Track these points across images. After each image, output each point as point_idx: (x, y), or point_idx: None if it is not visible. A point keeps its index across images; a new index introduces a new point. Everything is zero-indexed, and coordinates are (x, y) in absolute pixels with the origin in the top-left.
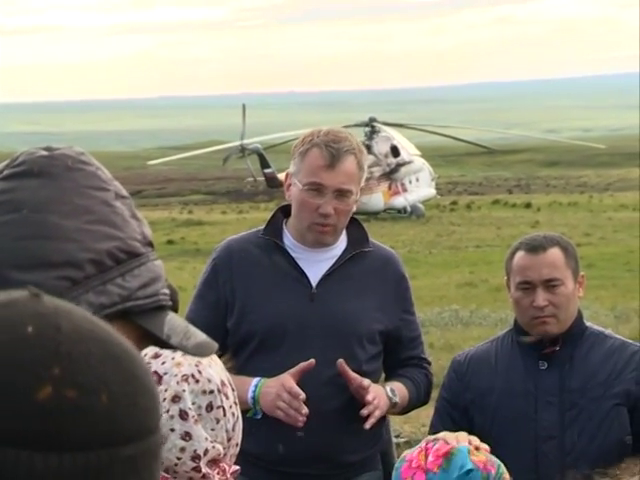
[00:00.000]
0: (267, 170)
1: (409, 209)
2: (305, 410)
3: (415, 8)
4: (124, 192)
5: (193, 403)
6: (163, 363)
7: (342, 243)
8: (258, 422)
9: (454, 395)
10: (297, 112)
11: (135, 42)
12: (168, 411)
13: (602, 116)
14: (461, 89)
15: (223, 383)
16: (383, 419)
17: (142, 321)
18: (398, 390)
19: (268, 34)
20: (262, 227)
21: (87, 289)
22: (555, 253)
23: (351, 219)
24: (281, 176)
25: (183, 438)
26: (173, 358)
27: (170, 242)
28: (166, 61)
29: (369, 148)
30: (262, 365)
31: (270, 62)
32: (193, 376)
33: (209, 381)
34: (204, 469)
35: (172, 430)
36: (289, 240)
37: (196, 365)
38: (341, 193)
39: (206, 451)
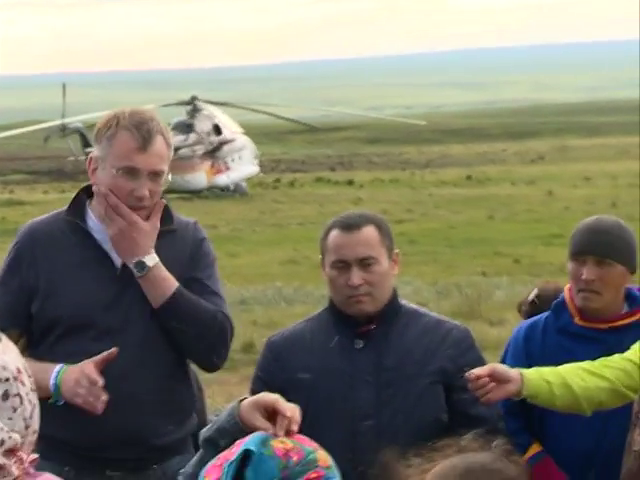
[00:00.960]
0: (88, 149)
1: (232, 187)
2: (104, 397)
3: None
4: None
5: None
6: None
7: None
8: (65, 407)
9: (269, 375)
10: (119, 91)
11: None
12: None
13: (423, 93)
14: (284, 67)
15: (19, 370)
16: (192, 400)
17: None
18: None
19: (89, 13)
20: (65, 208)
21: None
22: (369, 231)
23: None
24: None
25: None
26: None
27: None
28: None
29: (191, 127)
30: (69, 349)
31: (92, 41)
32: None
33: (4, 368)
34: (1, 460)
35: None
36: (93, 222)
37: None
38: (155, 174)
39: (2, 442)
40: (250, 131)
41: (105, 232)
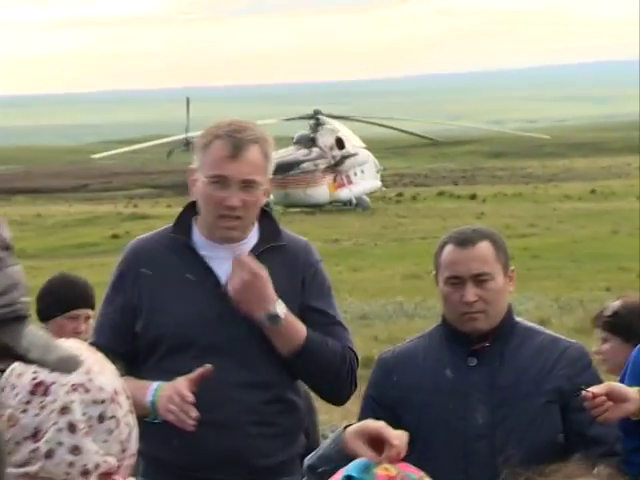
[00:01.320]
0: None
1: (354, 201)
2: (194, 414)
3: (356, 2)
4: None
5: (83, 414)
6: (51, 372)
7: (253, 238)
8: (165, 426)
9: (380, 393)
10: (242, 105)
11: (75, 37)
12: (56, 423)
13: (546, 107)
14: (405, 81)
15: (116, 391)
16: (300, 422)
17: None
18: (293, 319)
19: (211, 28)
20: (171, 225)
21: None
22: (484, 247)
23: (263, 212)
24: None
25: (72, 452)
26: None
27: (115, 236)
28: (108, 55)
29: (314, 141)
30: (172, 368)
31: (212, 56)
32: (83, 385)
33: (101, 390)
34: None
35: (60, 444)
36: (198, 237)
37: (86, 373)
38: (247, 184)
39: (97, 465)
40: (372, 145)
41: (211, 248)
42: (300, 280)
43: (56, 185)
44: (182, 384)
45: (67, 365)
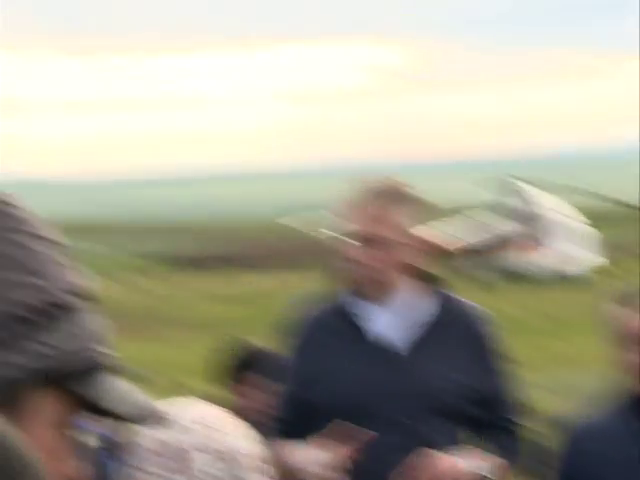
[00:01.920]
0: None
1: (559, 271)
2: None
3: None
4: (52, 235)
5: None
6: (193, 438)
7: (423, 304)
8: None
9: (570, 467)
10: (446, 179)
11: (282, 110)
12: None
13: None
14: (607, 149)
15: (259, 458)
16: None
17: (72, 385)
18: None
19: (421, 99)
20: (341, 291)
21: None
22: None
23: (436, 279)
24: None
25: None
26: (205, 434)
27: None
28: (314, 128)
29: (515, 208)
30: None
31: (422, 129)
32: (220, 451)
33: (244, 456)
34: None
35: None
36: (358, 303)
37: (229, 440)
38: (393, 243)
39: None
40: (583, 214)
41: (380, 317)
42: (476, 352)
43: None
44: (336, 449)
45: (143, 416)
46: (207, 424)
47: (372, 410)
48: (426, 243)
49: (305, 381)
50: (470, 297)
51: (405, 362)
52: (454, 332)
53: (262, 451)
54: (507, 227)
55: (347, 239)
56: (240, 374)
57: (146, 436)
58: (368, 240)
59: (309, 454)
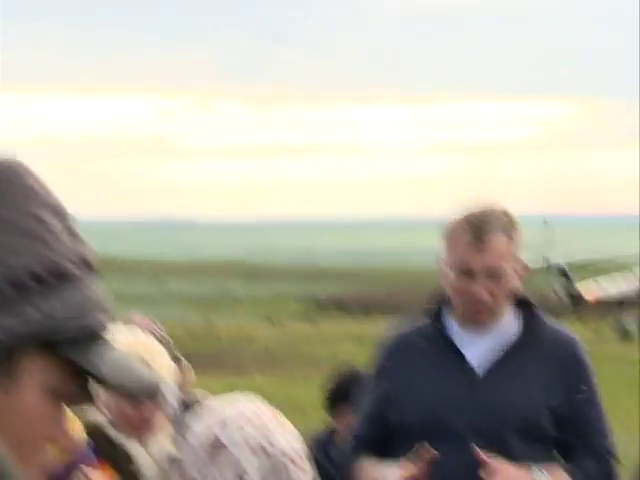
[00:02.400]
0: (571, 289)
1: None
2: None
3: None
4: (63, 208)
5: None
6: (231, 433)
7: (512, 326)
8: None
9: None
10: (606, 234)
11: (451, 161)
12: None
13: None
14: None
15: (299, 455)
16: None
17: (71, 353)
18: (553, 474)
19: (577, 155)
20: (427, 316)
21: None
22: None
23: (525, 302)
24: (586, 294)
25: None
26: (242, 428)
27: None
28: (474, 180)
29: None
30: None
31: (576, 183)
32: (264, 449)
33: (283, 454)
34: None
35: None
36: (450, 324)
37: (266, 435)
38: (493, 273)
39: None
40: None
41: (463, 335)
42: (565, 372)
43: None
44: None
45: (144, 387)
46: (249, 419)
47: (448, 427)
48: (526, 269)
49: (384, 397)
50: (607, 345)
51: (484, 380)
52: (538, 352)
53: (304, 449)
54: None
55: (456, 273)
56: (338, 403)
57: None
58: (484, 274)
59: (391, 472)
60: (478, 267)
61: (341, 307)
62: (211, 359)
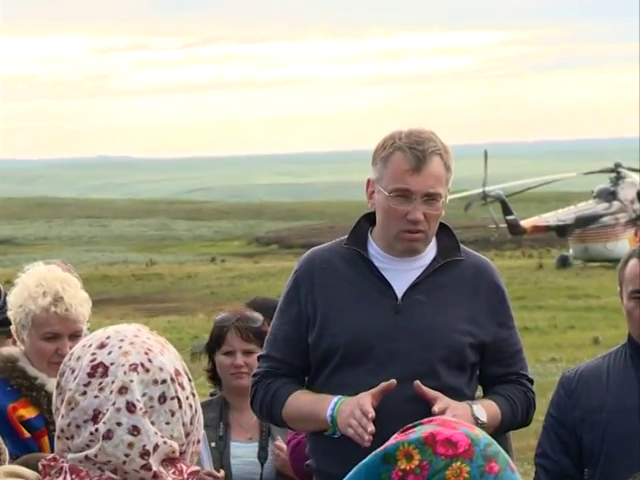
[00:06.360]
0: (509, 217)
1: None
2: (371, 429)
3: None
4: None
5: (143, 395)
6: (109, 353)
7: (431, 252)
8: (344, 442)
9: (562, 413)
10: (543, 161)
11: (384, 93)
12: (114, 404)
13: None
14: None
15: (177, 372)
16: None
17: None
18: (487, 409)
19: (517, 83)
20: (346, 237)
21: None
22: None
23: (441, 226)
24: (524, 223)
25: (131, 433)
26: (120, 347)
27: None
28: (413, 112)
29: (614, 194)
30: (344, 381)
31: (517, 112)
32: (143, 365)
33: (161, 370)
34: (154, 467)
35: (119, 424)
36: (374, 249)
37: (146, 353)
38: (430, 197)
39: (156, 446)
40: None
41: (388, 260)
42: (485, 300)
43: None
44: (365, 398)
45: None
46: (129, 340)
47: (372, 351)
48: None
49: (302, 320)
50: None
51: (406, 306)
52: (459, 277)
53: (184, 367)
54: (608, 213)
55: (391, 195)
56: None
57: (72, 357)
58: (421, 197)
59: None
60: (416, 189)
61: (282, 243)
62: (154, 298)
